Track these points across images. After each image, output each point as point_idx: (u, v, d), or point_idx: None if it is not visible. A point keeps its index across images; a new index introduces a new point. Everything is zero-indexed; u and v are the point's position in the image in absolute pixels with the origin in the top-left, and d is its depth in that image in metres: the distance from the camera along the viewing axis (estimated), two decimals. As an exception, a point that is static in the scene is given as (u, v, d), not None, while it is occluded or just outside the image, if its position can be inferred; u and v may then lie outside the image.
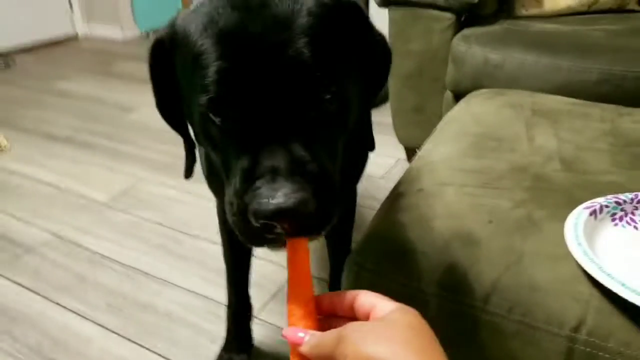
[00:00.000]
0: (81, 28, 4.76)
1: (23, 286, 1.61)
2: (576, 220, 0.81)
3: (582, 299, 0.72)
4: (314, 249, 1.72)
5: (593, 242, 0.78)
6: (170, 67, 0.74)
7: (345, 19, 0.73)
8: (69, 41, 4.65)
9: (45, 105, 3.13)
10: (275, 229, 0.61)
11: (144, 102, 3.01)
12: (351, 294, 0.62)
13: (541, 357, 0.71)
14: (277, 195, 0.58)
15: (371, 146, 0.96)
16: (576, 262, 0.75)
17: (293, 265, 0.65)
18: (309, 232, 0.64)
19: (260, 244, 0.67)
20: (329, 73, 0.65)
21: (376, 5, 2.07)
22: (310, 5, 0.67)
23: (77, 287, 1.60)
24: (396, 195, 0.99)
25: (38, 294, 1.57)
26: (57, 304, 1.53)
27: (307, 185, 0.60)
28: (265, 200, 0.58)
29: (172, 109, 0.80)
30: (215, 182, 1.02)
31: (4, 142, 2.54)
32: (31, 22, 4.34)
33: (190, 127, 0.80)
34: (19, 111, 3.02)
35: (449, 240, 0.83)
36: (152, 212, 1.98)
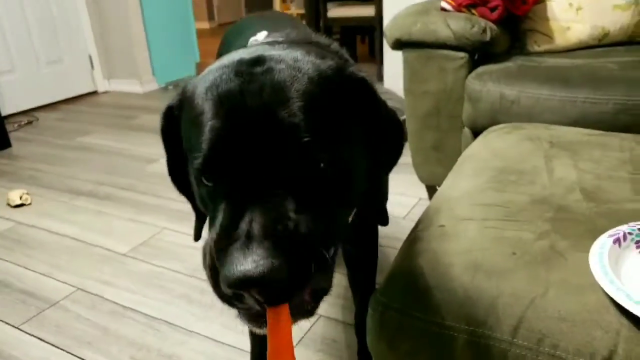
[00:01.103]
0: (102, 84, 4.90)
1: (46, 341, 1.60)
2: (601, 249, 0.80)
3: (612, 328, 0.70)
4: (339, 294, 1.71)
5: (618, 270, 0.77)
6: (178, 131, 0.77)
7: (348, 91, 0.74)
8: (89, 96, 4.77)
9: (68, 160, 3.18)
10: (246, 300, 0.61)
11: (164, 154, 3.04)
12: None
13: (574, 391, 0.69)
14: (245, 262, 0.57)
15: (384, 221, 0.97)
16: (603, 291, 0.74)
17: (273, 334, 0.64)
18: (285, 299, 0.62)
19: (241, 308, 0.66)
20: (322, 139, 0.66)
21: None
22: (311, 74, 0.69)
23: (100, 340, 1.59)
24: (418, 233, 0.98)
25: (61, 348, 1.56)
26: (80, 357, 1.52)
27: (280, 252, 0.59)
28: (233, 266, 0.58)
29: (180, 173, 0.83)
30: None
31: (27, 197, 2.57)
32: (54, 82, 4.49)
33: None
34: (41, 167, 3.07)
35: (473, 274, 0.82)
36: (174, 262, 1.98)
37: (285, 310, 0.63)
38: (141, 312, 1.70)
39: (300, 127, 0.64)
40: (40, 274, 1.97)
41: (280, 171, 0.64)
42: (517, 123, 1.51)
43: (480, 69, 1.89)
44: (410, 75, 2.06)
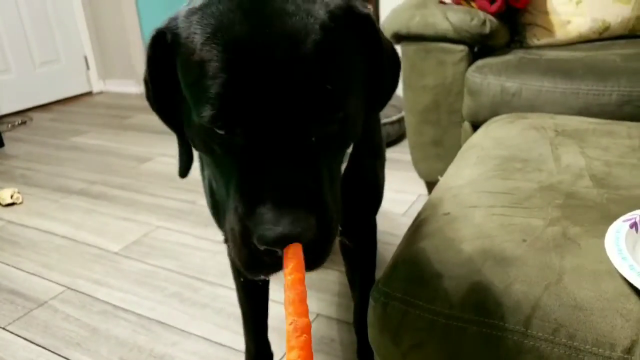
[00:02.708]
0: (97, 84, 4.85)
1: (33, 342, 1.54)
2: (617, 234, 0.75)
3: (633, 317, 0.66)
4: (337, 292, 1.66)
5: (636, 256, 0.72)
6: (171, 63, 0.70)
7: (357, 30, 0.70)
8: (85, 97, 4.72)
9: (60, 160, 3.12)
10: (277, 254, 0.60)
11: (158, 152, 3.02)
12: None
13: (593, 383, 0.64)
14: (283, 223, 0.57)
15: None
16: (622, 277, 0.69)
17: (289, 272, 0.61)
18: (309, 257, 0.61)
19: (258, 270, 0.65)
20: (339, 94, 0.63)
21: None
22: (324, 19, 0.63)
23: (89, 340, 1.54)
24: (421, 221, 0.94)
25: (49, 349, 1.51)
26: (68, 359, 1.47)
27: (311, 214, 0.60)
28: (271, 227, 0.58)
29: (167, 104, 0.75)
30: (223, 218, 0.98)
31: (18, 196, 2.53)
32: (49, 82, 4.45)
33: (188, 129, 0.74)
34: (33, 166, 3.02)
35: (481, 262, 0.77)
36: (167, 260, 1.93)
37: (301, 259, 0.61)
38: (133, 312, 1.65)
39: (320, 85, 0.61)
40: (30, 273, 1.91)
41: (301, 129, 0.61)
42: (519, 113, 1.47)
43: (480, 62, 1.85)
44: (409, 69, 2.02)
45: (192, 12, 0.66)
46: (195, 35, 0.64)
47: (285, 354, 1.39)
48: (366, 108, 0.75)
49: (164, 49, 0.70)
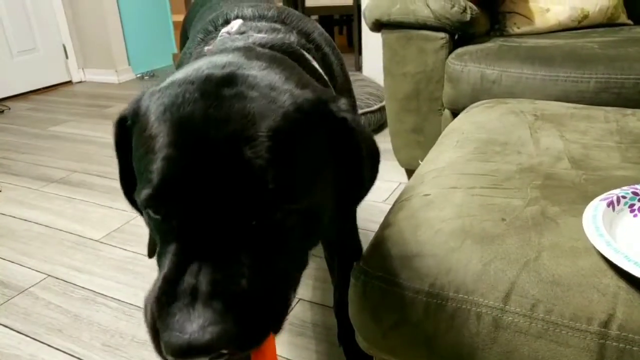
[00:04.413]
0: (76, 74, 4.80)
1: (13, 329, 1.53)
2: (594, 212, 0.76)
3: (609, 291, 0.67)
4: (317, 276, 1.67)
5: (613, 233, 0.74)
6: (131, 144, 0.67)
7: (327, 130, 0.64)
8: (64, 86, 4.67)
9: (40, 149, 3.09)
10: None
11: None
12: None
13: (571, 357, 0.65)
14: (190, 330, 0.50)
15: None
16: (599, 254, 0.71)
17: None
18: (248, 349, 0.55)
19: None
20: (290, 187, 0.57)
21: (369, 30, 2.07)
22: (287, 109, 0.59)
23: (70, 327, 1.53)
24: (402, 202, 0.95)
25: (29, 336, 1.50)
26: (49, 345, 1.46)
27: (231, 314, 0.52)
28: (177, 333, 0.51)
29: (132, 187, 0.70)
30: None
31: (-5, 186, 2.50)
32: (27, 71, 4.39)
33: None
34: (12, 156, 2.98)
35: (461, 241, 0.78)
36: (148, 248, 1.92)
37: (270, 344, 0.59)
38: (114, 299, 1.64)
39: (267, 171, 0.54)
40: (9, 261, 1.89)
41: (239, 219, 0.55)
42: (499, 99, 1.48)
43: (461, 50, 1.86)
44: (390, 57, 2.02)
45: (154, 92, 0.64)
46: (150, 113, 0.61)
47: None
48: (340, 204, 0.71)
49: (125, 131, 0.68)
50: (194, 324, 0.50)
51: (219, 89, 0.59)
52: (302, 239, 0.63)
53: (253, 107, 0.57)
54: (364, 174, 0.70)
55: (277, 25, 0.95)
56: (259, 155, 0.54)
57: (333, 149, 0.65)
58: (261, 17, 0.99)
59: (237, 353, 0.54)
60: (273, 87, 0.61)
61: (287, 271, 0.62)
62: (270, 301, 0.58)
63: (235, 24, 0.93)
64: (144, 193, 0.57)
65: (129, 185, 0.73)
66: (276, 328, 0.60)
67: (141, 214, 0.76)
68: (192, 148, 0.55)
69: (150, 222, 0.62)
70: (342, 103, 0.67)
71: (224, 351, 0.52)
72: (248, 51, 0.72)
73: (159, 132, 0.57)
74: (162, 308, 0.53)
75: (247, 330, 0.54)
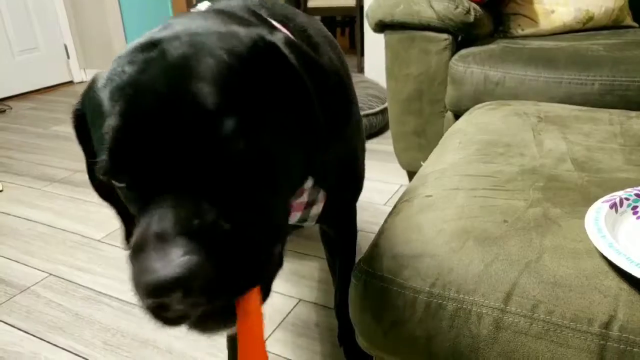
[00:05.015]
0: (78, 74, 4.81)
1: (16, 327, 1.53)
2: (597, 214, 0.76)
3: (611, 293, 0.67)
4: (319, 277, 1.67)
5: (615, 235, 0.74)
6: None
7: (261, 62, 0.63)
8: (65, 86, 4.68)
9: (42, 148, 3.09)
10: (176, 308, 0.52)
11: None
12: None
13: (571, 358, 0.65)
14: (158, 267, 0.49)
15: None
16: (601, 255, 0.70)
17: (243, 332, 0.57)
18: (227, 295, 0.54)
19: (170, 323, 0.57)
20: (230, 121, 0.56)
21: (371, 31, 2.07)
22: (211, 48, 0.60)
23: (72, 325, 1.53)
24: (404, 203, 0.94)
25: (31, 334, 1.50)
26: (51, 343, 1.46)
27: (200, 246, 0.51)
28: (148, 275, 0.50)
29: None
30: None
31: (-2, 185, 2.51)
32: (28, 71, 4.40)
33: None
34: (14, 155, 2.99)
35: (462, 241, 0.78)
36: (150, 247, 1.92)
37: (254, 302, 0.57)
38: (116, 298, 1.64)
39: (208, 111, 0.55)
40: (11, 260, 1.90)
41: (190, 163, 0.55)
42: (502, 100, 1.48)
43: (464, 51, 1.86)
44: (392, 58, 2.02)
45: (100, 74, 0.65)
46: (94, 94, 0.62)
47: (267, 335, 1.40)
48: (309, 145, 0.69)
49: (83, 121, 0.68)
50: (163, 261, 0.50)
51: (143, 53, 0.60)
52: (268, 184, 0.62)
53: (175, 56, 0.58)
54: (317, 112, 0.67)
55: (254, 8, 0.90)
56: (196, 100, 0.55)
57: (279, 88, 0.64)
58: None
59: (215, 299, 0.53)
60: (195, 33, 0.62)
61: (261, 218, 0.60)
62: (247, 247, 0.56)
63: (203, 5, 0.90)
64: (100, 166, 0.58)
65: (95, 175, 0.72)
66: (263, 286, 0.60)
67: (110, 202, 0.79)
68: (129, 112, 0.56)
69: (121, 194, 0.62)
70: (278, 39, 0.65)
71: (201, 296, 0.51)
72: (184, 15, 0.73)
73: (102, 107, 0.59)
74: (135, 260, 0.53)
75: (221, 271, 0.52)
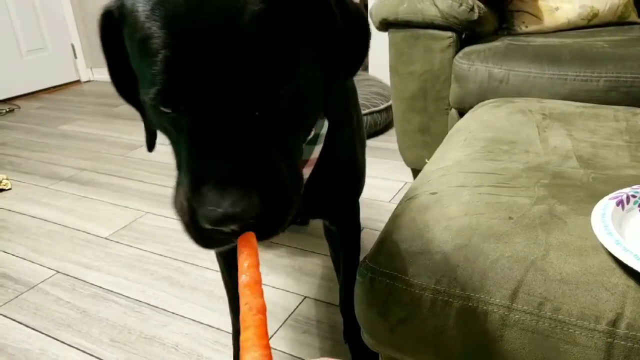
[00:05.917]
0: (85, 73, 4.83)
1: (23, 324, 1.55)
2: (603, 211, 0.76)
3: (618, 290, 0.67)
4: (323, 274, 1.68)
5: (622, 232, 0.74)
6: (121, 39, 0.69)
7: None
8: (73, 85, 4.70)
9: (49, 147, 3.11)
10: (224, 231, 0.60)
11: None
12: None
13: (578, 356, 0.65)
14: (223, 205, 0.57)
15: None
16: (607, 253, 0.71)
17: (244, 259, 0.60)
18: (260, 232, 0.61)
19: (209, 245, 0.65)
20: (285, 66, 0.60)
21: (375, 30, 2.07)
22: None
23: (79, 322, 1.54)
24: (409, 200, 0.95)
25: (39, 331, 1.51)
26: (59, 340, 1.47)
27: (254, 191, 0.58)
28: (213, 208, 0.57)
29: (125, 81, 0.74)
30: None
31: (6, 182, 2.52)
32: (36, 70, 4.43)
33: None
34: (22, 154, 3.01)
35: (467, 238, 0.78)
36: (156, 245, 1.93)
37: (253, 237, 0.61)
38: (123, 295, 1.65)
39: (263, 56, 0.58)
40: (20, 257, 1.91)
41: (245, 104, 0.59)
42: (506, 98, 1.48)
43: (468, 49, 1.86)
44: (396, 56, 2.02)
45: None
46: (137, 13, 0.62)
47: (271, 332, 1.41)
48: (327, 77, 0.72)
49: (113, 26, 0.69)
50: (227, 201, 0.57)
51: None
52: (299, 118, 0.67)
53: None
54: (342, 46, 0.71)
55: None
56: (250, 41, 0.57)
57: (313, 23, 0.67)
58: None
59: (260, 230, 0.61)
60: None
61: (293, 156, 0.67)
62: (286, 185, 0.64)
63: None
64: (151, 92, 0.60)
65: (120, 80, 0.77)
66: (295, 203, 0.66)
67: (137, 109, 0.80)
68: (187, 47, 0.57)
69: (159, 117, 0.65)
70: None
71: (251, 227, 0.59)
72: None
73: (152, 33, 0.59)
74: (196, 192, 0.59)
75: (270, 207, 0.60)
